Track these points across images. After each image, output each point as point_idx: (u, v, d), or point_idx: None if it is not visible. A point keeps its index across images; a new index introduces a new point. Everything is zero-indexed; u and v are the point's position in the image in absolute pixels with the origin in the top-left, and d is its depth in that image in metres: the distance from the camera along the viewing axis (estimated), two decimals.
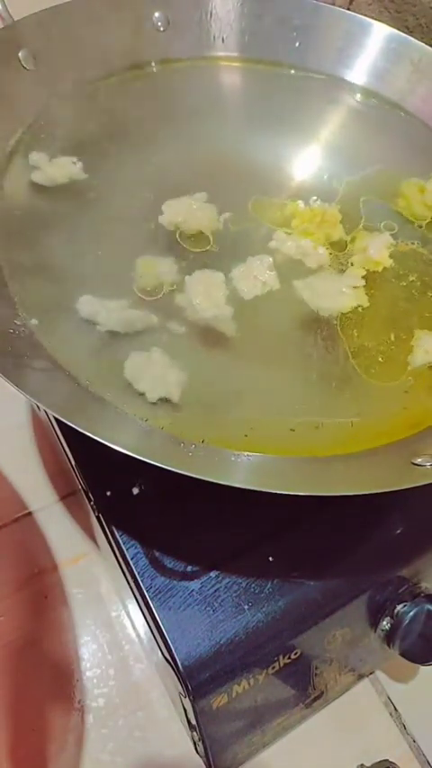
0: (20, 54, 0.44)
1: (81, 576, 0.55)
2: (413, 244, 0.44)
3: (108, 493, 0.37)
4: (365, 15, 0.51)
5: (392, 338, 0.39)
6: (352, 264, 0.42)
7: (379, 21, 0.51)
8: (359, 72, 0.52)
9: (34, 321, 0.36)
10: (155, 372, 0.35)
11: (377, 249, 0.42)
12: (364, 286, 0.41)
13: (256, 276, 0.40)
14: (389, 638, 0.38)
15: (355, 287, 0.41)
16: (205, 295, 0.38)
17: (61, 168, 0.43)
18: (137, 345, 0.36)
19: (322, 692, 0.45)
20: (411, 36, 0.50)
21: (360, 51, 0.52)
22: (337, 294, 0.40)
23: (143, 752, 0.49)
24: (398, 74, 0.51)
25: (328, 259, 0.42)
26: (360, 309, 0.40)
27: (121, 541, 0.36)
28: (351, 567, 0.36)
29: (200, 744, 0.40)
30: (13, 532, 0.57)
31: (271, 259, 0.41)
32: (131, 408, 0.34)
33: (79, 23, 0.47)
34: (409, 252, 0.44)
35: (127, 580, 0.36)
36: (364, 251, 0.42)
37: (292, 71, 0.53)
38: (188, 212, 0.41)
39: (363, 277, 0.41)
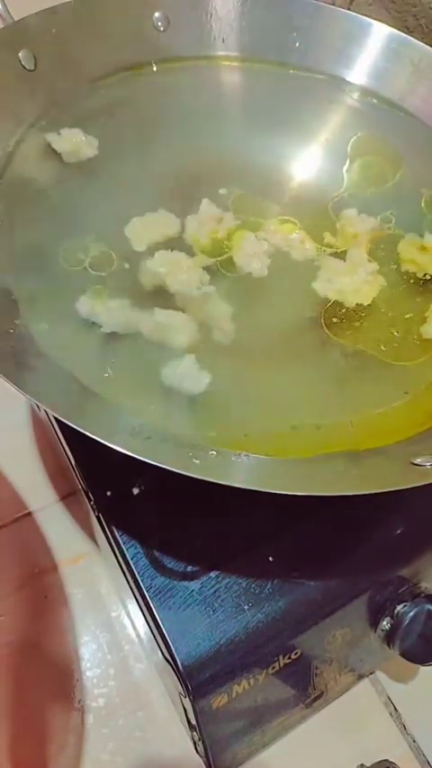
0: (20, 54, 0.44)
1: (81, 575, 0.55)
2: (389, 229, 0.45)
3: (108, 493, 0.37)
4: (365, 15, 0.51)
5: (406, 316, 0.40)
6: (341, 251, 0.43)
7: (379, 21, 0.51)
8: (359, 72, 0.52)
9: (35, 321, 0.36)
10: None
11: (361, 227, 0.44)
12: (378, 270, 0.42)
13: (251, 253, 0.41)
14: (389, 638, 0.38)
15: (372, 272, 0.41)
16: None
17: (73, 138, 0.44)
18: (137, 345, 0.36)
19: (322, 692, 0.45)
20: (411, 36, 0.50)
21: (360, 51, 0.52)
22: (363, 283, 0.41)
23: (143, 752, 0.49)
24: (398, 74, 0.51)
25: (314, 253, 0.43)
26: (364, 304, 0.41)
27: (121, 541, 0.36)
28: (351, 567, 0.36)
29: (200, 744, 0.40)
30: (13, 532, 0.57)
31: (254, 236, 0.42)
32: (132, 409, 0.34)
33: (79, 23, 0.47)
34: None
35: (127, 580, 0.36)
36: (355, 236, 0.44)
37: (292, 71, 0.53)
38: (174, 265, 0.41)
39: (369, 262, 0.42)
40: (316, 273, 0.42)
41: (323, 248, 0.43)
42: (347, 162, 0.49)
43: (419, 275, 0.43)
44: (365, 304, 0.40)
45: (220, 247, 0.42)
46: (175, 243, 0.41)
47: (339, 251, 0.43)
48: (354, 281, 0.41)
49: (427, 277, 0.43)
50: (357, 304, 0.40)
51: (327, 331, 0.39)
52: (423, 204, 0.46)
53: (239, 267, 0.41)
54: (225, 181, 0.46)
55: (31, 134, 0.44)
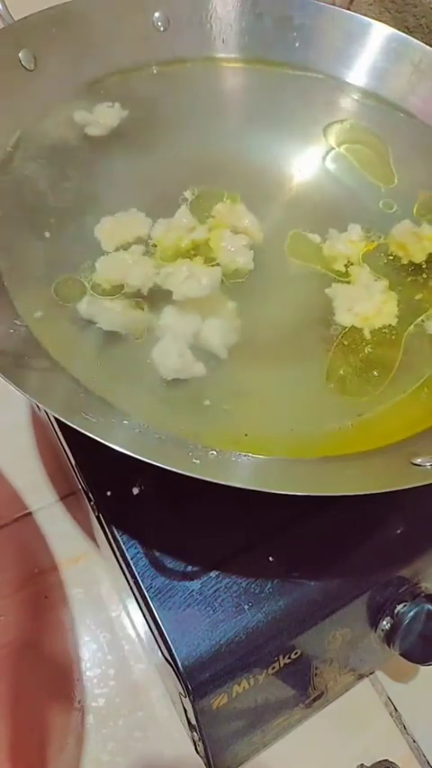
0: (20, 54, 0.44)
1: (81, 575, 0.55)
2: (380, 238, 0.45)
3: (108, 493, 0.37)
4: (365, 15, 0.52)
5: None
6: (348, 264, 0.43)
7: (379, 21, 0.51)
8: (359, 72, 0.52)
9: (37, 314, 0.36)
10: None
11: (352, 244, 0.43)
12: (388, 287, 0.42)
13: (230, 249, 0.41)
14: (389, 638, 0.38)
15: (384, 290, 0.41)
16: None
17: (107, 115, 0.46)
18: (137, 345, 0.36)
19: (322, 692, 0.45)
20: (412, 36, 0.50)
21: (360, 51, 0.52)
22: (383, 304, 0.40)
23: (143, 752, 0.49)
24: (398, 74, 0.51)
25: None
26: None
27: (121, 541, 0.36)
28: (351, 567, 0.36)
29: (200, 744, 0.40)
30: (13, 532, 0.57)
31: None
32: (132, 408, 0.34)
33: (79, 23, 0.47)
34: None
35: (127, 580, 0.36)
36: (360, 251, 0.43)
37: (292, 71, 0.53)
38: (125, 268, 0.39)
39: (376, 280, 0.42)
40: (331, 305, 0.41)
41: (333, 275, 0.42)
42: (343, 157, 0.49)
43: (404, 261, 0.43)
44: (393, 324, 0.40)
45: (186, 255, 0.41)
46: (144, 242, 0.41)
47: (346, 265, 0.43)
48: (375, 306, 0.40)
49: (416, 263, 0.43)
50: (384, 325, 0.40)
51: (329, 331, 0.39)
52: (415, 209, 0.46)
53: (226, 265, 0.40)
54: (222, 182, 0.46)
55: (31, 134, 0.44)
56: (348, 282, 0.42)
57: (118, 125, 0.46)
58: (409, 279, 0.42)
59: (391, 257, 0.43)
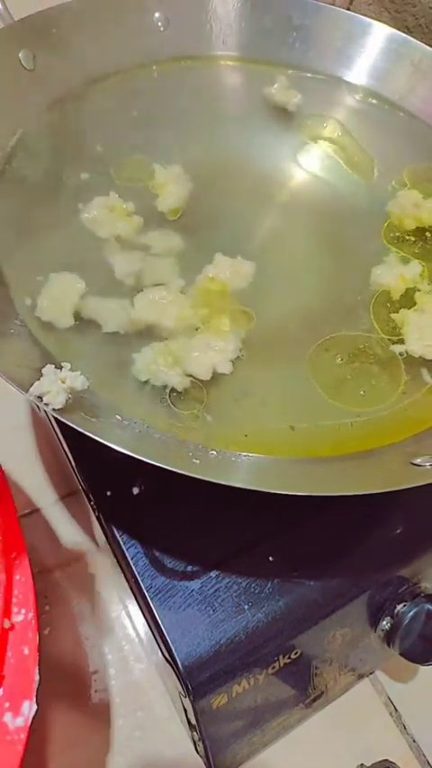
0: (20, 54, 0.44)
1: (81, 575, 0.55)
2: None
3: (108, 493, 0.37)
4: (365, 15, 0.52)
5: None
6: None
7: (379, 21, 0.51)
8: (359, 72, 0.52)
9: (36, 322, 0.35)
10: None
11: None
12: None
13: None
14: (389, 638, 0.38)
15: None
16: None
17: None
18: (138, 346, 0.36)
19: (322, 692, 0.45)
20: (411, 36, 0.50)
21: (360, 51, 0.52)
22: None
23: (143, 752, 0.49)
24: (398, 74, 0.51)
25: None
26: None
27: (121, 541, 0.36)
28: (351, 567, 0.36)
29: (200, 744, 0.40)
30: None
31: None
32: (132, 409, 0.34)
33: (79, 23, 0.47)
34: None
35: (127, 580, 0.36)
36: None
37: (292, 71, 0.53)
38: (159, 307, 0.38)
39: None
40: (341, 307, 0.40)
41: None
42: (344, 156, 0.49)
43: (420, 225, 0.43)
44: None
45: None
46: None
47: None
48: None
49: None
50: None
51: (331, 331, 0.39)
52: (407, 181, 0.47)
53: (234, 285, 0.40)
54: (220, 183, 0.46)
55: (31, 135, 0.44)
56: (415, 308, 0.41)
57: None
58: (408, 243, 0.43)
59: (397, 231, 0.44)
